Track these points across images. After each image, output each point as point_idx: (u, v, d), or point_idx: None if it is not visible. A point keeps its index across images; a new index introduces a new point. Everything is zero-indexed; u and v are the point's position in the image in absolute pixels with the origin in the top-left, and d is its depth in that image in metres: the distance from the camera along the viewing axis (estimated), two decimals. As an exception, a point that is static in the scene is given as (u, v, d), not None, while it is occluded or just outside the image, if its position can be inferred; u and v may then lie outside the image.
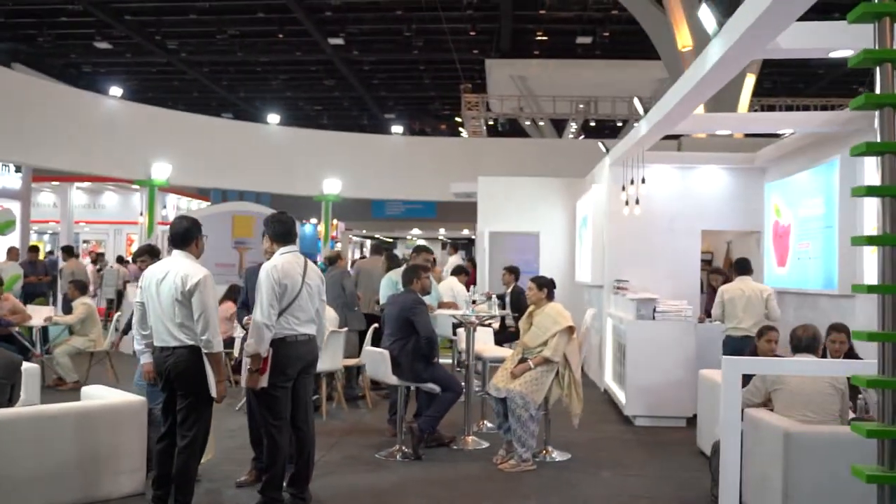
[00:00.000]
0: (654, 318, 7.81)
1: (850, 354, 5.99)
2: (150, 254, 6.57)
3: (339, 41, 24.04)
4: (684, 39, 14.87)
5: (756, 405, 5.12)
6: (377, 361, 6.36)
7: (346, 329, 7.85)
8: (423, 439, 6.41)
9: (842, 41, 4.70)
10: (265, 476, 4.85)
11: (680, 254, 9.39)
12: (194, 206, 22.46)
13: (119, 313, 10.15)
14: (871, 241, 2.93)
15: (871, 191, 2.93)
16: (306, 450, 4.95)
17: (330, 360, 7.32)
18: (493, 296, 8.75)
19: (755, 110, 17.52)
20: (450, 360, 9.32)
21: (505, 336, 9.00)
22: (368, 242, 34.27)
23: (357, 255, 31.48)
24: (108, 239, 21.70)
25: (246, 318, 5.22)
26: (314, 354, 4.99)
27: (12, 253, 12.88)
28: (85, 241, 20.08)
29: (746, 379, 5.09)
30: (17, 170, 16.36)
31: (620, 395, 8.21)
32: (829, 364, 5.28)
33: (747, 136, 14.51)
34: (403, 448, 6.36)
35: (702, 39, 14.90)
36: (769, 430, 4.69)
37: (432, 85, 30.18)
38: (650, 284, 8.99)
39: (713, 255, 11.34)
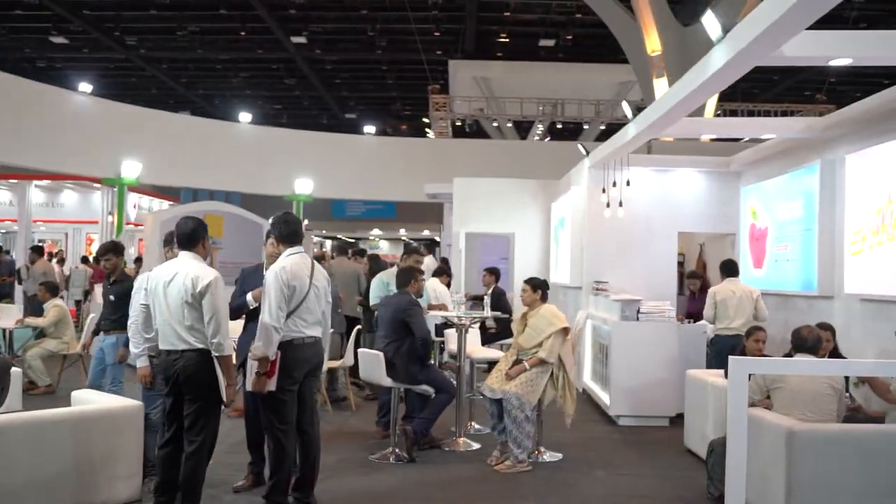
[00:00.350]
0: (637, 319, 7.90)
1: (835, 353, 6.16)
2: (113, 252, 6.45)
3: (301, 40, 23.87)
4: (653, 44, 15.09)
5: (752, 403, 5.22)
6: (372, 363, 6.31)
7: (331, 331, 7.77)
8: (417, 441, 6.39)
9: (842, 50, 4.83)
10: (270, 481, 4.78)
11: (657, 255, 9.53)
12: (156, 206, 22.01)
13: (92, 315, 9.90)
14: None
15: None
16: (312, 454, 4.89)
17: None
18: (470, 298, 8.76)
19: (718, 115, 17.88)
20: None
21: (486, 337, 9.01)
22: (329, 243, 34.06)
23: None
24: (66, 239, 21.12)
25: None
26: (320, 357, 4.93)
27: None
28: (40, 241, 19.49)
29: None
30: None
31: (602, 395, 8.29)
32: (833, 364, 5.38)
33: (713, 140, 14.83)
34: (397, 450, 6.32)
35: (673, 44, 15.17)
36: (771, 428, 4.78)
37: (395, 85, 30.12)
38: (628, 286, 9.11)
39: (685, 257, 11.52)
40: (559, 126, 27.20)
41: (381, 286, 7.30)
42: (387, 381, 6.26)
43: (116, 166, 16.76)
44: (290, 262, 4.73)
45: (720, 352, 7.47)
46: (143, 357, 5.22)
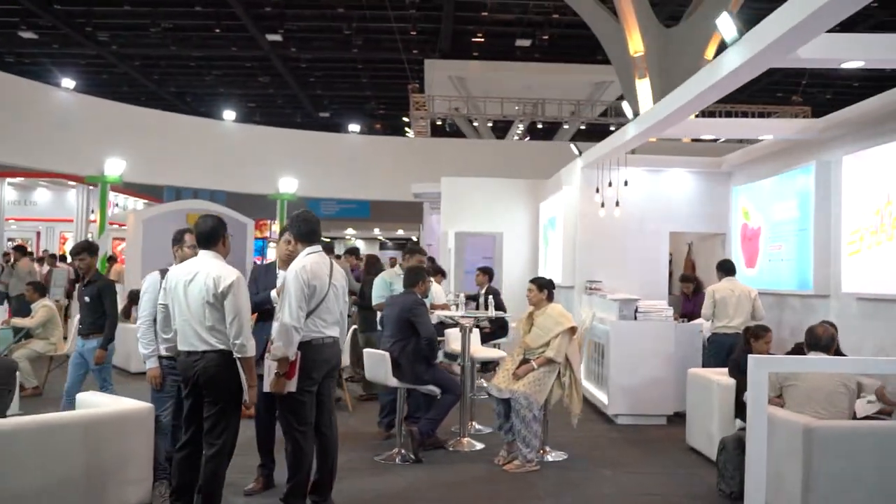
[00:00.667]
0: (635, 318, 7.93)
1: (837, 352, 6.24)
2: (88, 251, 6.34)
3: (276, 37, 23.66)
4: (636, 45, 15.20)
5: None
6: (377, 363, 6.26)
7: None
8: (423, 442, 6.36)
9: (854, 53, 4.90)
10: (289, 483, 4.70)
11: (649, 255, 9.60)
12: (140, 206, 21.66)
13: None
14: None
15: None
16: (330, 456, 4.82)
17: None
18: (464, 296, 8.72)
19: (698, 116, 18.02)
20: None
21: (481, 337, 8.98)
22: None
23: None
24: (37, 237, 20.70)
25: None
26: (338, 357, 4.87)
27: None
28: (10, 240, 19.08)
29: (741, 373, 5.22)
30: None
31: (599, 395, 8.31)
32: (851, 362, 5.43)
33: (693, 140, 15.00)
34: (402, 451, 6.28)
35: (656, 45, 15.28)
36: (786, 426, 4.83)
37: (369, 84, 30.00)
38: (620, 285, 9.17)
39: (672, 257, 11.61)
40: (539, 126, 27.27)
41: (384, 286, 7.25)
42: (392, 381, 6.21)
43: (100, 164, 16.44)
44: (310, 262, 4.64)
45: (718, 350, 7.56)
46: (153, 358, 5.12)
